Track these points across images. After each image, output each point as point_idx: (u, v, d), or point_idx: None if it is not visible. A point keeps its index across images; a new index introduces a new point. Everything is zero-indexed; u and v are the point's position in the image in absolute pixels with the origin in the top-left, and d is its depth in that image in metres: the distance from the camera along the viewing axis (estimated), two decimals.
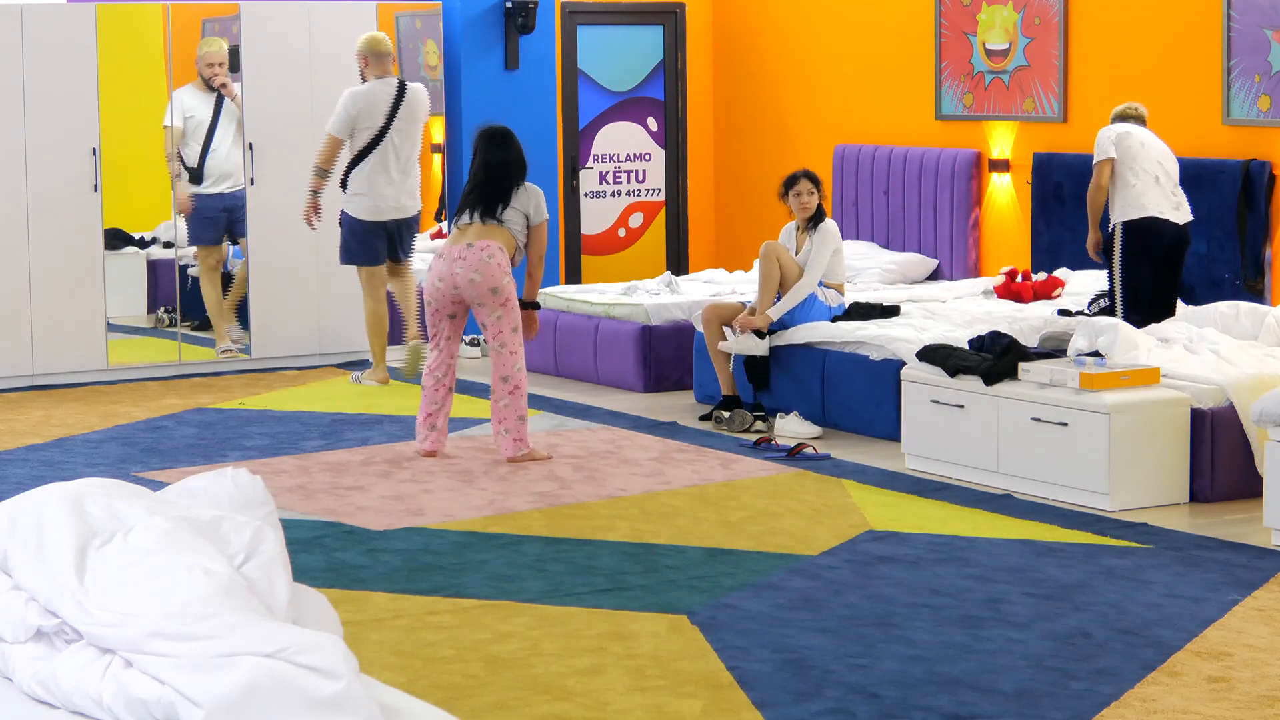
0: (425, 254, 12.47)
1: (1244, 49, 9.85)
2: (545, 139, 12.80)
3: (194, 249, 11.76)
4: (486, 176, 8.84)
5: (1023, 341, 8.91)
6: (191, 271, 11.85)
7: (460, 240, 8.81)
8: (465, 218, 8.86)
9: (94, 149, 11.18)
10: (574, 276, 13.26)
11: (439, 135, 12.57)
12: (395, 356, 11.52)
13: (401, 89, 10.85)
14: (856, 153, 12.33)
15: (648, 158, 13.62)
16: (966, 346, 8.74)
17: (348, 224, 10.97)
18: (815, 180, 10.01)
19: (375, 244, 10.94)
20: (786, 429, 9.47)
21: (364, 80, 10.94)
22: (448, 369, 8.99)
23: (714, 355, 9.95)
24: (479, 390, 10.73)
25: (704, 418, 9.98)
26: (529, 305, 9.03)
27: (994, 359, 8.37)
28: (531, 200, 8.87)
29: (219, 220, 11.72)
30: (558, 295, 11.57)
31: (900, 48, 12.19)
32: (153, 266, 11.81)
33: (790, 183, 10.00)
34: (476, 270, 8.68)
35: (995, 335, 8.62)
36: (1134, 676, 5.56)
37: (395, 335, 11.59)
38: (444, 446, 9.05)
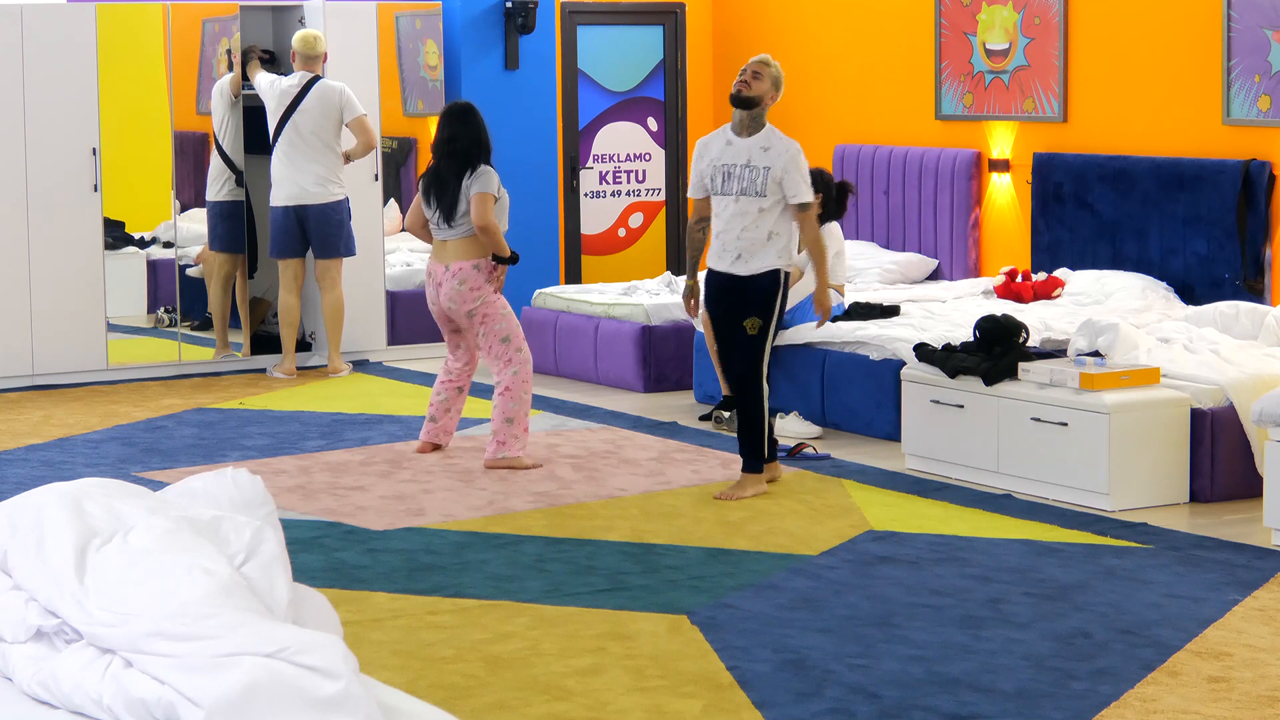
0: (424, 253, 12.49)
1: (1244, 49, 9.84)
2: (545, 139, 12.80)
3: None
4: (450, 151, 8.70)
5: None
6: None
7: (442, 257, 8.78)
8: (435, 220, 8.74)
9: (94, 149, 11.17)
10: (574, 276, 13.25)
11: None
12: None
13: (310, 84, 11.21)
14: (856, 153, 12.32)
15: (648, 158, 13.61)
16: (960, 344, 8.72)
17: (270, 216, 11.45)
18: (821, 177, 9.98)
19: (285, 235, 11.27)
20: (786, 429, 9.47)
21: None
22: (460, 370, 9.00)
23: (714, 355, 9.95)
24: (479, 390, 10.72)
25: (704, 418, 9.98)
26: (500, 260, 8.72)
27: (995, 359, 8.35)
28: (475, 183, 8.64)
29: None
30: (558, 295, 11.56)
31: (900, 48, 12.18)
32: (153, 266, 11.81)
33: None
34: (451, 299, 8.74)
35: (994, 322, 8.51)
36: (1134, 676, 5.56)
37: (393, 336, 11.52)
38: (446, 443, 9.06)
